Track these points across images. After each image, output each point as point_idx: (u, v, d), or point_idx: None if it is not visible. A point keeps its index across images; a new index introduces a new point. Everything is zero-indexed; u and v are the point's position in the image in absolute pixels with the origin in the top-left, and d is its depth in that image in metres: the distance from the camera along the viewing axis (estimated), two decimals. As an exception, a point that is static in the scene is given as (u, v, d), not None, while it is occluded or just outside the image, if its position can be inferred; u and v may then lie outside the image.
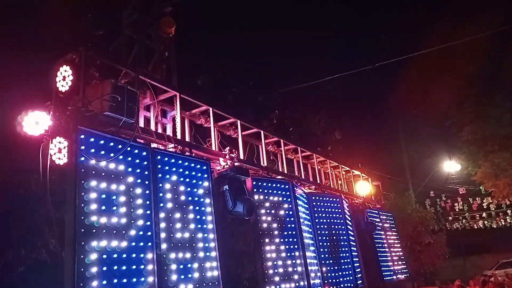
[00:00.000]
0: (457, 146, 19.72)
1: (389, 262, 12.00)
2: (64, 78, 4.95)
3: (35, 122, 4.71)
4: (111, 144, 4.87)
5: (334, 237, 9.10)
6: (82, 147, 4.55)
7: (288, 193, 7.85)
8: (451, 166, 22.21)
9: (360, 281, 9.66)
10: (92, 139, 4.69)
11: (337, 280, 8.69)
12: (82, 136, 4.60)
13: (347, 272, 9.02)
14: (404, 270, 12.86)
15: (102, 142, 4.78)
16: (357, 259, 9.81)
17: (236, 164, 6.91)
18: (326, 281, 8.28)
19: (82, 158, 4.52)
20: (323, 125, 12.12)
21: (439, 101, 18.96)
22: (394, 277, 12.07)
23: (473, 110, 17.42)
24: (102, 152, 4.75)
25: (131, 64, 6.10)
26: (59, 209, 4.66)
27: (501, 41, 16.31)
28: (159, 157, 5.49)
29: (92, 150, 4.65)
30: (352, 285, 9.18)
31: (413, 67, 17.98)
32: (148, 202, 5.07)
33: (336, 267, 8.77)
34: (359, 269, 9.71)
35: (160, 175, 5.39)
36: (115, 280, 4.38)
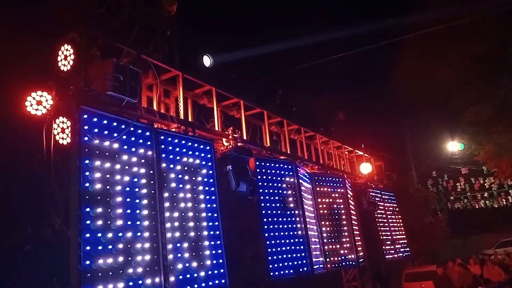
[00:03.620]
0: (460, 127, 19.63)
1: (390, 241, 12.13)
2: (66, 57, 4.90)
3: (37, 102, 4.69)
4: (114, 124, 4.86)
5: (337, 217, 9.17)
6: (85, 127, 4.54)
7: (291, 173, 7.86)
8: (454, 146, 22.14)
9: (362, 260, 9.79)
10: (95, 119, 4.67)
11: (339, 259, 8.80)
12: (85, 116, 4.59)
13: (349, 251, 9.13)
14: (405, 249, 13.01)
15: (105, 122, 4.77)
16: (359, 238, 9.90)
17: (239, 144, 6.90)
18: (328, 260, 8.39)
19: (86, 138, 4.52)
20: (326, 105, 12.04)
21: (444, 82, 18.76)
22: (395, 255, 12.23)
23: (478, 90, 17.23)
24: (106, 132, 4.75)
25: (132, 43, 6.02)
26: (64, 189, 4.69)
27: (508, 21, 15.99)
28: (162, 137, 5.48)
29: (96, 130, 4.65)
30: (353, 263, 9.31)
31: (417, 46, 17.72)
32: (152, 182, 5.10)
33: (338, 246, 8.87)
34: (360, 248, 9.82)
35: (163, 155, 5.40)
36: (121, 258, 4.44)
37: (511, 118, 16.50)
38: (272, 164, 7.60)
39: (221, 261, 5.66)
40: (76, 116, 4.52)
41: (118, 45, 5.62)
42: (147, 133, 5.26)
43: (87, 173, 4.42)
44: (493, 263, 15.65)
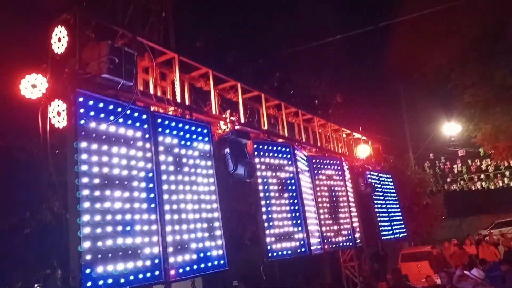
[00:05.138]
0: (458, 109, 19.63)
1: (387, 223, 12.24)
2: (60, 39, 4.83)
3: (32, 85, 4.65)
4: (111, 107, 4.82)
5: (334, 199, 9.23)
6: (81, 110, 4.51)
7: (289, 155, 7.88)
8: (451, 128, 22.17)
9: (359, 241, 9.90)
10: (91, 102, 4.63)
11: (337, 240, 8.90)
12: (81, 99, 4.54)
13: (346, 232, 9.22)
14: (402, 230, 13.16)
15: (101, 105, 4.73)
16: (356, 219, 9.99)
17: (236, 127, 6.88)
18: (325, 241, 8.48)
19: (82, 121, 4.49)
20: (324, 88, 12.01)
21: (442, 64, 18.66)
22: (392, 236, 12.37)
23: (476, 72, 17.15)
24: (102, 115, 4.71)
25: (127, 25, 5.93)
26: (61, 172, 4.69)
27: (506, 1, 15.82)
28: (159, 120, 5.46)
29: (92, 113, 4.61)
30: (351, 244, 9.42)
31: (415, 28, 17.54)
32: (149, 165, 5.10)
33: (335, 227, 8.95)
34: (358, 229, 9.92)
35: (160, 138, 5.38)
36: (120, 240, 4.47)
37: (509, 100, 16.48)
38: (270, 147, 7.60)
39: (220, 242, 5.71)
40: (72, 99, 4.48)
41: (112, 26, 5.54)
42: (144, 116, 5.23)
43: (84, 156, 4.41)
44: (488, 244, 15.88)
